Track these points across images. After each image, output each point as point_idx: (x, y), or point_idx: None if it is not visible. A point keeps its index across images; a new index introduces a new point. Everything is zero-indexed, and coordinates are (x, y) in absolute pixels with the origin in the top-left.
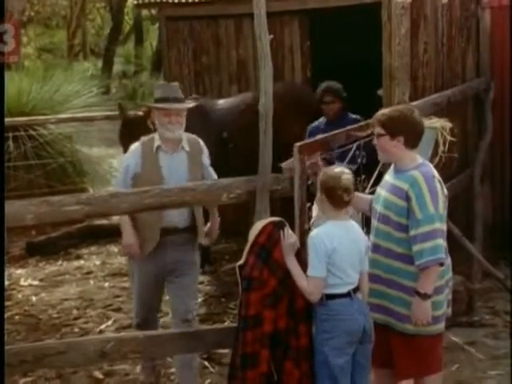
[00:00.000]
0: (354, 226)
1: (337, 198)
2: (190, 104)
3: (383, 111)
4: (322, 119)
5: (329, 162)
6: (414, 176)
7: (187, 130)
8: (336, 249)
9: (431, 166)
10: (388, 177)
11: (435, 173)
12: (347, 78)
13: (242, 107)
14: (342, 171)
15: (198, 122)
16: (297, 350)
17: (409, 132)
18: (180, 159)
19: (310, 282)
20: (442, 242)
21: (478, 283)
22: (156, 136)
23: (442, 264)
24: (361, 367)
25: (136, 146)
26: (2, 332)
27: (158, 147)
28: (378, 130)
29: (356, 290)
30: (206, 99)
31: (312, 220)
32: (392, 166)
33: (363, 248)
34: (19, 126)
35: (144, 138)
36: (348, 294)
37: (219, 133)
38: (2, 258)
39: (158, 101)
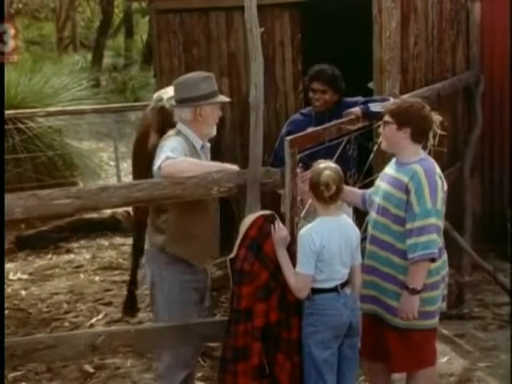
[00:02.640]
0: (345, 220)
1: (319, 193)
2: None
3: (395, 100)
4: (307, 111)
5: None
6: (415, 169)
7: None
8: (325, 246)
9: (433, 160)
10: (388, 169)
11: (437, 168)
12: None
13: None
14: (326, 166)
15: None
16: (288, 343)
17: (416, 125)
18: (207, 156)
19: (298, 278)
20: (436, 237)
21: (468, 276)
22: (189, 132)
23: (433, 260)
24: (347, 360)
25: (179, 141)
26: (2, 331)
27: (202, 146)
28: (386, 117)
29: (345, 284)
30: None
31: (302, 214)
32: (394, 159)
33: (354, 242)
34: (7, 119)
35: (175, 136)
36: (335, 289)
37: None
38: (2, 258)
39: (211, 96)
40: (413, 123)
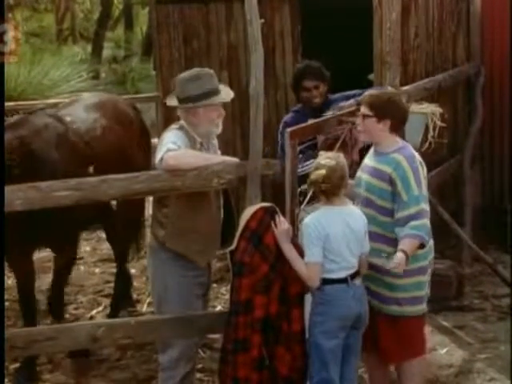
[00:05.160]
0: (350, 210)
1: (326, 189)
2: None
3: (371, 92)
4: (299, 108)
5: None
6: (397, 159)
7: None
8: (329, 235)
9: (410, 147)
10: (368, 160)
11: (416, 154)
12: (339, 63)
13: (102, 122)
14: (324, 164)
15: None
16: (288, 335)
17: (396, 116)
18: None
19: (308, 268)
20: (427, 222)
21: (468, 268)
22: (188, 129)
23: (422, 245)
24: (351, 351)
25: (179, 135)
26: (2, 322)
27: (202, 144)
28: (365, 110)
29: (355, 274)
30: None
31: (302, 206)
32: (372, 149)
33: (362, 230)
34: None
35: (176, 129)
36: (345, 280)
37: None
38: (1, 249)
39: (200, 97)
40: (392, 115)
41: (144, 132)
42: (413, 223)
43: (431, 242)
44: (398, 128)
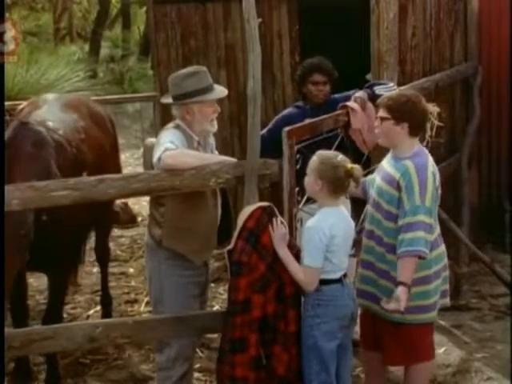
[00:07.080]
0: (345, 211)
1: (344, 187)
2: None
3: (391, 95)
4: (300, 104)
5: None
6: (407, 166)
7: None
8: (335, 236)
9: (428, 154)
10: (385, 162)
11: (430, 163)
12: (337, 63)
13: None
14: (345, 159)
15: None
16: (285, 335)
17: (414, 120)
18: (212, 153)
19: (307, 272)
20: (423, 234)
21: (465, 267)
22: (185, 127)
23: (420, 257)
24: (344, 349)
25: (177, 134)
26: (1, 325)
27: (199, 143)
28: (383, 113)
29: (345, 274)
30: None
31: (300, 205)
32: (390, 152)
33: (353, 232)
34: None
35: (173, 128)
36: (340, 280)
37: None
38: (1, 249)
39: (196, 93)
40: (410, 118)
41: (115, 132)
42: (408, 236)
43: (437, 252)
44: (416, 132)
